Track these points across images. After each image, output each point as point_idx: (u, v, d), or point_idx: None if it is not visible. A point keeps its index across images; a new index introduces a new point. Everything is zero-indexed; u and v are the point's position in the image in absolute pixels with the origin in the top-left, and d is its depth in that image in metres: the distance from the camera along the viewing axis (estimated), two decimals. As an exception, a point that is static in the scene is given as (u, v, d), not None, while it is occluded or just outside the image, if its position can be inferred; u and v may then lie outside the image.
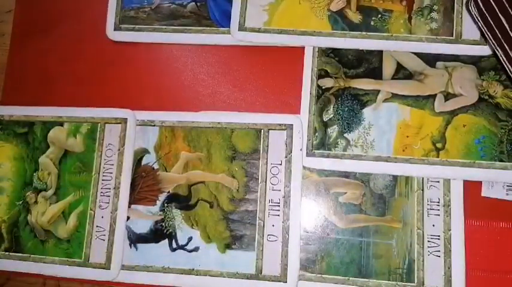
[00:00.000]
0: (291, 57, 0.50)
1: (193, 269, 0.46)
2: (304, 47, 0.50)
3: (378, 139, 0.47)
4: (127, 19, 0.53)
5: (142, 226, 0.48)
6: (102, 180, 0.49)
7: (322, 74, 0.49)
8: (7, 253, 0.49)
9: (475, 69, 0.47)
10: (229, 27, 0.51)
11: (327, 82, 0.49)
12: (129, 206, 0.48)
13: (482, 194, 0.46)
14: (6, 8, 0.56)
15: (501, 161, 0.45)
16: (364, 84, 0.48)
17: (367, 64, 0.49)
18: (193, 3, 0.52)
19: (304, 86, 0.49)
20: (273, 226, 0.46)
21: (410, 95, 0.48)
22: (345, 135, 0.47)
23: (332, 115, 0.48)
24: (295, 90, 0.49)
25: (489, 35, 0.41)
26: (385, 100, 0.48)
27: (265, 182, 0.47)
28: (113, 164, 0.49)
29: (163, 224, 0.48)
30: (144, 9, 0.53)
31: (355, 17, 0.50)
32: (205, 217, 0.47)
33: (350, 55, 0.49)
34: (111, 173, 0.49)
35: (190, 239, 0.47)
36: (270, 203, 0.47)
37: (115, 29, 0.52)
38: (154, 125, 0.50)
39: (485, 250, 0.45)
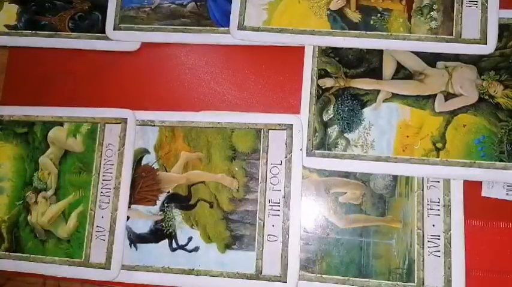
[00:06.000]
0: (291, 57, 0.50)
1: (193, 269, 0.46)
2: (304, 47, 0.50)
3: (378, 139, 0.47)
4: (127, 19, 0.52)
5: (142, 226, 0.48)
6: (102, 180, 0.49)
7: (322, 74, 0.49)
8: (7, 253, 0.49)
9: (475, 69, 0.47)
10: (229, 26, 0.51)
11: (327, 82, 0.49)
12: (129, 206, 0.48)
13: (482, 194, 0.46)
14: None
15: (501, 161, 0.45)
16: (364, 84, 0.48)
17: (367, 64, 0.49)
18: (193, 3, 0.52)
19: (304, 86, 0.49)
20: (273, 226, 0.46)
21: (410, 95, 0.47)
22: (345, 135, 0.47)
23: (332, 115, 0.48)
24: (295, 90, 0.49)
25: None
26: (385, 100, 0.48)
27: (265, 182, 0.47)
28: (112, 164, 0.49)
29: (163, 224, 0.48)
30: (144, 9, 0.53)
31: (354, 16, 0.50)
32: (205, 217, 0.47)
33: (350, 55, 0.49)
34: (111, 173, 0.49)
35: (190, 239, 0.47)
36: (270, 203, 0.47)
37: (114, 29, 0.52)
38: (154, 125, 0.50)
39: (485, 250, 0.45)
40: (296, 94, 0.49)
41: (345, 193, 0.47)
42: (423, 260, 0.44)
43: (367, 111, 0.48)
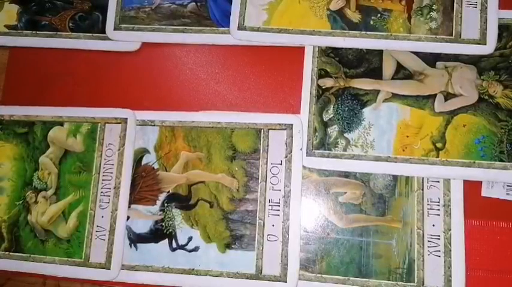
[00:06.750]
0: (291, 57, 0.50)
1: (193, 269, 0.46)
2: (304, 47, 0.50)
3: (378, 139, 0.47)
4: (127, 19, 0.53)
5: (142, 226, 0.48)
6: (102, 180, 0.49)
7: (322, 74, 0.49)
8: (7, 252, 0.49)
9: (475, 69, 0.47)
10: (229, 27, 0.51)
11: (327, 82, 0.49)
12: (129, 206, 0.48)
13: (482, 194, 0.46)
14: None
15: (501, 161, 0.45)
16: (364, 84, 0.48)
17: (367, 64, 0.49)
18: (194, 3, 0.52)
19: (304, 86, 0.49)
20: (273, 225, 0.46)
21: (410, 95, 0.48)
22: (345, 135, 0.47)
23: (332, 115, 0.48)
24: (295, 90, 0.49)
25: None
26: (385, 100, 0.48)
27: (265, 182, 0.47)
28: (113, 164, 0.49)
29: (163, 224, 0.48)
30: (144, 9, 0.53)
31: (354, 16, 0.50)
32: (205, 217, 0.47)
33: (350, 55, 0.49)
34: (111, 173, 0.49)
35: (190, 239, 0.47)
36: (270, 203, 0.47)
37: (115, 29, 0.52)
38: (154, 125, 0.50)
39: (485, 250, 0.45)
40: (296, 94, 0.49)
41: (345, 192, 0.47)
42: (423, 260, 0.44)
43: (367, 111, 0.48)
